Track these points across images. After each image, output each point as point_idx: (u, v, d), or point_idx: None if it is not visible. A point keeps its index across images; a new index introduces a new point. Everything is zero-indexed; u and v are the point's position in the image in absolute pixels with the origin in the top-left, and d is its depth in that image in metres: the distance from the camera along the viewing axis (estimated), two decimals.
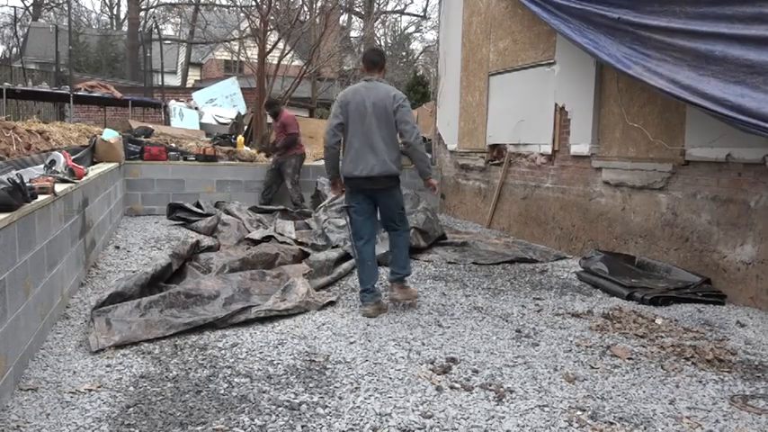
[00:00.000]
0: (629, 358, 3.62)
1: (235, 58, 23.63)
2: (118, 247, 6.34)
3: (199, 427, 2.65)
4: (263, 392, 3.03)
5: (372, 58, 4.57)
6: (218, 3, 25.45)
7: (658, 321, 4.33)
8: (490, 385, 3.17)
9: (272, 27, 15.05)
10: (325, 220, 6.64)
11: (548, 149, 7.20)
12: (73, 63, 16.25)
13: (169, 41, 28.33)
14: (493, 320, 4.31)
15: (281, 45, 15.12)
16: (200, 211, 7.89)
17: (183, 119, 13.41)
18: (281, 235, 6.44)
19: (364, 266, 4.47)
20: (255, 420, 2.72)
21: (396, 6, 29.54)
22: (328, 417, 2.78)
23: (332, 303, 4.57)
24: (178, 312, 4.01)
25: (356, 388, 3.10)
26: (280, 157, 8.92)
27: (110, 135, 7.79)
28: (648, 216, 5.77)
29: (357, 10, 26.42)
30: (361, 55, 4.29)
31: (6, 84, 13.01)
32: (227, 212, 7.85)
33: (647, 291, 4.91)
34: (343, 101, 4.43)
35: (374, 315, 4.31)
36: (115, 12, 35.64)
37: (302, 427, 2.68)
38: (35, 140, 7.02)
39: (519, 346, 3.81)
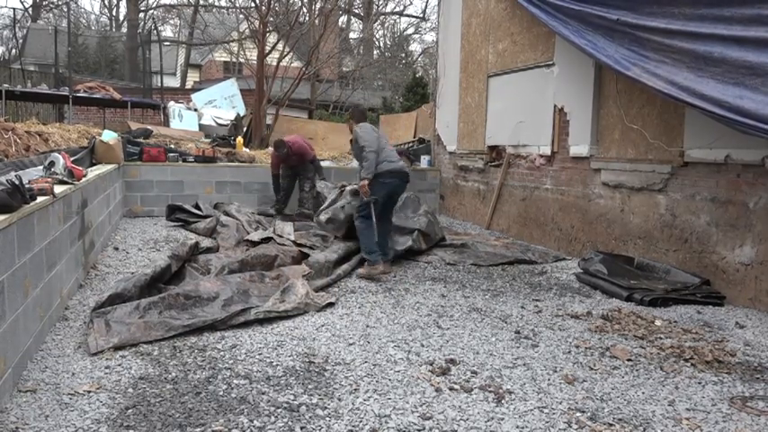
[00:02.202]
0: (629, 359, 3.62)
1: (234, 60, 23.63)
2: (117, 249, 6.33)
3: (198, 429, 2.65)
4: (262, 394, 3.02)
5: (364, 112, 6.37)
6: (217, 4, 25.47)
7: (657, 323, 4.33)
8: (489, 386, 3.17)
9: (270, 28, 15.07)
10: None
11: (547, 151, 7.20)
12: (72, 64, 16.23)
13: (168, 43, 28.34)
14: (492, 322, 4.31)
15: (280, 46, 15.13)
16: (199, 212, 7.89)
17: (183, 120, 13.41)
18: (280, 237, 6.43)
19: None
20: (254, 422, 2.72)
21: (395, 8, 29.59)
22: (327, 418, 2.78)
23: (331, 305, 4.57)
24: (177, 314, 4.01)
25: (355, 389, 3.10)
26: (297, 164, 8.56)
27: (109, 136, 7.78)
28: (647, 217, 5.77)
29: (356, 11, 26.43)
30: (353, 109, 6.04)
31: (6, 85, 13.01)
32: (226, 214, 7.85)
33: (647, 292, 4.91)
34: (371, 128, 5.84)
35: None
36: (114, 13, 35.67)
37: (301, 428, 2.68)
38: (34, 142, 7.02)
39: (518, 347, 3.81)
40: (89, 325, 3.75)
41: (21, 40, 26.98)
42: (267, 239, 6.35)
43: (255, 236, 6.55)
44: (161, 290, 4.41)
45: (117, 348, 3.54)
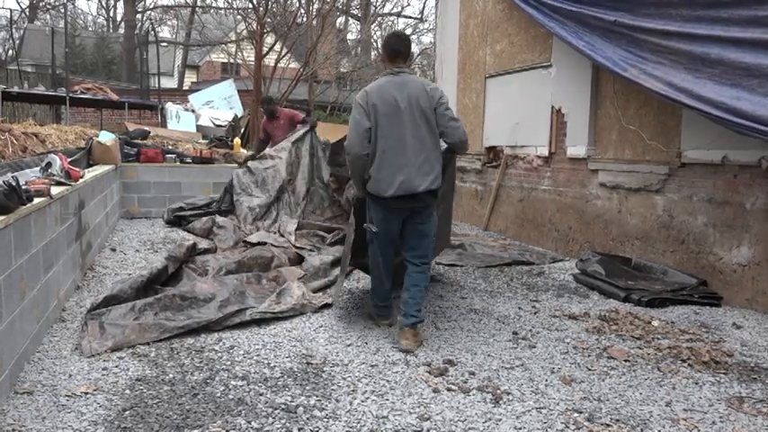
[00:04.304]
0: (626, 360, 3.63)
1: (232, 61, 23.64)
2: (114, 250, 6.32)
3: (195, 431, 2.64)
4: (260, 395, 3.02)
5: (395, 46, 3.74)
6: (214, 5, 25.47)
7: (655, 323, 4.33)
8: (487, 387, 3.17)
9: (268, 29, 15.07)
10: None
11: (544, 151, 7.21)
12: (69, 65, 16.21)
13: (166, 44, 28.31)
14: (490, 322, 4.31)
15: (277, 47, 15.14)
16: (200, 203, 8.03)
17: (180, 121, 13.42)
18: (281, 236, 6.42)
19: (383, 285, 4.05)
20: (252, 423, 2.72)
21: (392, 9, 29.60)
22: (325, 419, 2.78)
23: (328, 305, 4.56)
24: (173, 315, 4.00)
25: (353, 390, 3.09)
26: None
27: (106, 137, 7.78)
28: (645, 218, 5.78)
29: (354, 12, 26.45)
30: (381, 48, 3.55)
31: (2, 86, 12.98)
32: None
33: (644, 293, 4.92)
34: (367, 100, 3.63)
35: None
36: (112, 14, 35.58)
37: (299, 429, 2.68)
38: (31, 143, 7.01)
39: (516, 348, 3.81)
40: (83, 327, 3.73)
41: (17, 41, 26.92)
42: (264, 243, 6.34)
43: (254, 237, 6.54)
44: (158, 291, 4.40)
45: (113, 350, 3.53)
